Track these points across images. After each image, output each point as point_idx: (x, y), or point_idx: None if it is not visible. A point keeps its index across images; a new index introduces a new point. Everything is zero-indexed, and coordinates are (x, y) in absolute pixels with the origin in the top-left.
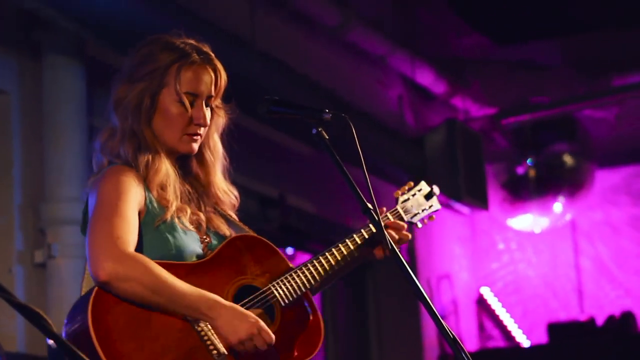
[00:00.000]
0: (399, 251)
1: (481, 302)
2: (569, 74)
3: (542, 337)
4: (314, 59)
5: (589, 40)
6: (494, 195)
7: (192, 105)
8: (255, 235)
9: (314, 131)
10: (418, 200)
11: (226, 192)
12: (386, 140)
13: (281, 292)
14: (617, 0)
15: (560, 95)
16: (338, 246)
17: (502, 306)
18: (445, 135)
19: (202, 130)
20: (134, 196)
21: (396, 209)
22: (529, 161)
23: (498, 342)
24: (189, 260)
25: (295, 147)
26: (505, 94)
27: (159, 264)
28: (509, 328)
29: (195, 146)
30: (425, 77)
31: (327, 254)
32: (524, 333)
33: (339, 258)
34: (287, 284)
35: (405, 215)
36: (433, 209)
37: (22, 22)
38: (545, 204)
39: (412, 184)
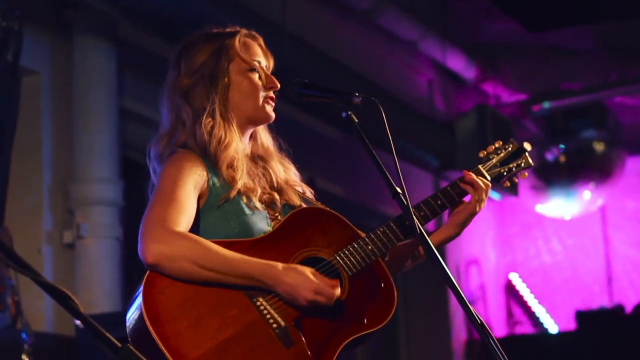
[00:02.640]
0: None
1: (509, 288)
2: (600, 61)
3: (570, 324)
4: (345, 42)
5: (621, 28)
6: (524, 181)
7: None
8: (322, 207)
9: (344, 115)
10: (504, 159)
11: (287, 168)
12: (416, 125)
13: (347, 261)
14: None
15: (591, 81)
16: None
17: (531, 292)
18: (475, 120)
19: (273, 94)
20: (191, 181)
21: (477, 168)
22: (560, 147)
23: (526, 328)
24: None
25: (325, 130)
26: (536, 80)
27: (219, 242)
28: (537, 314)
29: (272, 112)
30: (456, 62)
31: (397, 218)
32: (551, 319)
33: (409, 222)
34: (353, 253)
35: (489, 173)
36: (523, 165)
37: (54, 2)
38: (575, 191)
39: (500, 142)
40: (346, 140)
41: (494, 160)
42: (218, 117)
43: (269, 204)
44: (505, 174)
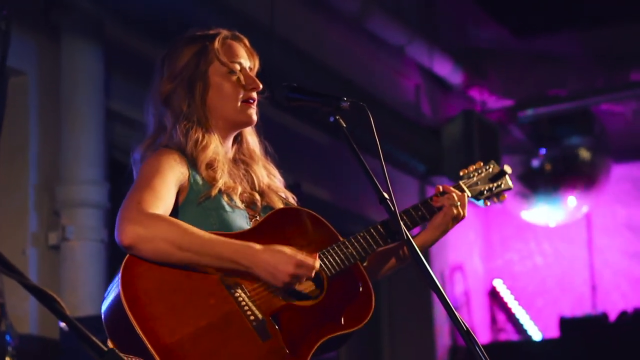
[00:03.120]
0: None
1: (493, 295)
2: (587, 68)
3: (554, 331)
4: (333, 46)
5: (608, 34)
6: None
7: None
8: (302, 208)
9: (332, 119)
10: (484, 179)
11: (271, 173)
12: (403, 130)
13: (327, 262)
14: None
15: (577, 88)
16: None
17: (515, 299)
18: (462, 126)
19: (255, 95)
20: (171, 173)
21: (458, 184)
22: (544, 154)
23: (510, 334)
24: None
25: (312, 134)
26: (522, 85)
27: None
28: (521, 321)
29: (254, 115)
30: (443, 68)
31: (378, 225)
32: (535, 326)
33: (392, 228)
34: (333, 254)
35: (469, 190)
36: (503, 187)
37: (41, 2)
38: (560, 198)
39: (481, 163)
40: (332, 145)
41: (474, 179)
42: (195, 120)
43: (250, 204)
44: (484, 192)
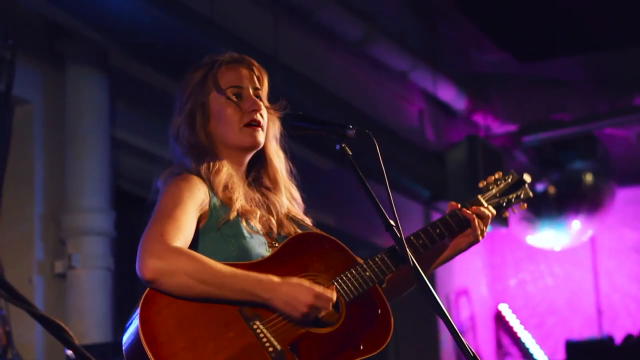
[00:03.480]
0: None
1: (499, 319)
2: (590, 92)
3: (560, 355)
4: (337, 73)
5: (611, 59)
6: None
7: (239, 97)
8: (321, 232)
9: (338, 147)
10: (504, 189)
11: (292, 197)
12: (407, 156)
13: (345, 287)
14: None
15: (581, 112)
16: (409, 238)
17: (520, 323)
18: (466, 151)
19: (259, 117)
20: (192, 200)
21: (476, 198)
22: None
23: (516, 359)
24: None
25: (316, 161)
26: (526, 110)
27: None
28: (527, 345)
29: (259, 137)
30: (447, 93)
31: (395, 246)
32: (541, 350)
33: (409, 250)
34: (351, 279)
35: (488, 203)
36: (523, 197)
37: (46, 32)
38: (565, 222)
39: (500, 173)
40: (337, 171)
41: (494, 191)
42: (201, 148)
43: (267, 230)
44: (504, 204)
